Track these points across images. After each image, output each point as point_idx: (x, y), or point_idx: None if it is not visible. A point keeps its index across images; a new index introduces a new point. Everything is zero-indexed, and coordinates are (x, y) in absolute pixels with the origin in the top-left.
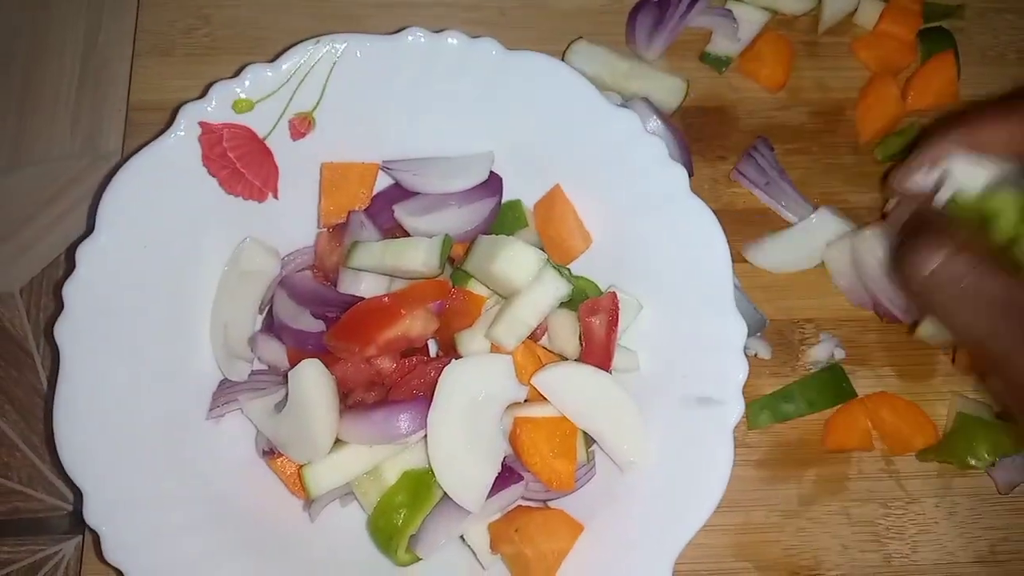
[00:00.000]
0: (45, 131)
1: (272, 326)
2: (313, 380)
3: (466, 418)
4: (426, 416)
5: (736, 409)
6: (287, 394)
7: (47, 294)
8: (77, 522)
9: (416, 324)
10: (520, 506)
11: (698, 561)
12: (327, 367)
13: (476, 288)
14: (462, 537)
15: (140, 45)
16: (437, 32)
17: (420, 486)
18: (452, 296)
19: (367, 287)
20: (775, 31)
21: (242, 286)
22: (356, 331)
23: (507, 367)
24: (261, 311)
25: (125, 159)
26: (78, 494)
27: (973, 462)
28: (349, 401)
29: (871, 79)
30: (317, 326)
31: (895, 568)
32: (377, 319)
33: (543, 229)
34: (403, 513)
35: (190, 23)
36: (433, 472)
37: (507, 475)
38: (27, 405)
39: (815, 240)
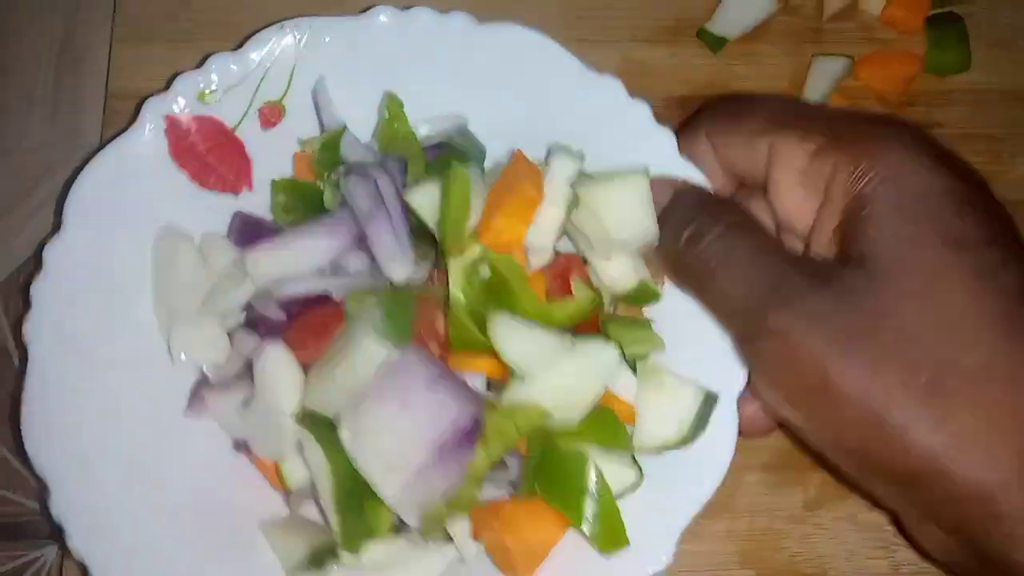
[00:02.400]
0: (22, 120)
1: (249, 321)
2: (278, 365)
3: None
4: None
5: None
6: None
7: (24, 292)
8: (59, 527)
9: None
10: None
11: (699, 569)
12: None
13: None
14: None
15: (119, 31)
16: (405, 9)
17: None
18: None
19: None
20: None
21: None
22: (316, 333)
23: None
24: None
25: (96, 151)
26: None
27: None
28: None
29: None
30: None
31: None
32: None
33: None
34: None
35: (170, 8)
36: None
37: None
38: (5, 406)
39: None
